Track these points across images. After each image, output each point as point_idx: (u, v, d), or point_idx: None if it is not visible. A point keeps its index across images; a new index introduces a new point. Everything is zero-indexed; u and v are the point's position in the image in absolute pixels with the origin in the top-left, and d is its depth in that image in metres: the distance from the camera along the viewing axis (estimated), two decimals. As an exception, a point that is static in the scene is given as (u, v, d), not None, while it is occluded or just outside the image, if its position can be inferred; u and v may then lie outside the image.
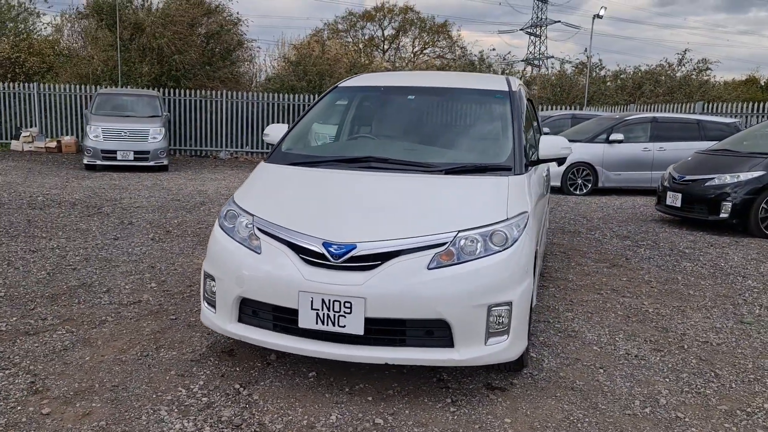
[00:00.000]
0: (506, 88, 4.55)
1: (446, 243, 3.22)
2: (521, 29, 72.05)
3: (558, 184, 12.81)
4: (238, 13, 23.11)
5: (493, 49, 39.13)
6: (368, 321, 3.15)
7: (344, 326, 3.16)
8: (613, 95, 22.83)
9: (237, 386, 3.39)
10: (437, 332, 3.19)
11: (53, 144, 18.50)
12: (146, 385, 3.37)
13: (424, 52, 49.67)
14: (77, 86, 19.10)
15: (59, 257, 5.98)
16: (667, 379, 3.67)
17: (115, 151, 14.03)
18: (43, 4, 31.16)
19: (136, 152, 14.16)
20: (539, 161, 4.24)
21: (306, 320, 3.21)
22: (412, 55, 48.85)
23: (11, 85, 19.18)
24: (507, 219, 3.39)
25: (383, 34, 52.39)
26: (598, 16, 22.75)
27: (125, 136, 14.18)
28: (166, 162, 14.60)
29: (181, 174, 14.22)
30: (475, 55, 29.19)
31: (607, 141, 12.87)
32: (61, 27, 24.39)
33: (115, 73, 19.28)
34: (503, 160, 3.88)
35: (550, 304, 5.05)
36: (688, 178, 9.02)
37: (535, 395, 3.42)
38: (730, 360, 4.01)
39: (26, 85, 19.29)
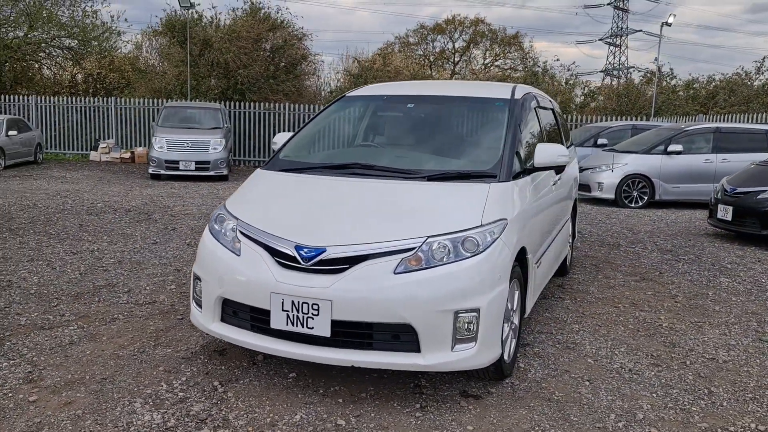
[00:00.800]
0: (508, 96, 4.53)
1: (414, 248, 3.25)
2: (600, 39, 70.31)
3: (612, 196, 12.46)
4: (302, 27, 23.77)
5: (557, 59, 38.31)
6: (335, 323, 3.21)
7: (312, 328, 3.24)
8: (683, 105, 21.95)
9: (216, 383, 3.52)
10: (403, 336, 3.21)
11: (127, 155, 19.51)
12: (132, 379, 3.55)
13: (495, 64, 49.34)
14: (151, 100, 20.10)
15: (95, 259, 6.34)
16: (655, 395, 3.55)
17: (177, 161, 14.67)
18: (124, 23, 32.95)
19: (197, 162, 14.76)
20: (534, 169, 4.19)
21: (277, 321, 3.30)
22: (483, 67, 48.61)
23: (92, 99, 20.38)
24: (481, 225, 3.38)
25: (454, 46, 52.35)
26: (667, 24, 21.93)
27: (188, 147, 14.81)
28: (226, 172, 15.14)
29: (239, 183, 14.68)
30: (539, 66, 28.72)
31: (665, 152, 12.42)
32: (141, 44, 25.80)
33: (186, 87, 20.17)
34: (489, 167, 3.86)
35: (559, 316, 4.95)
36: (740, 190, 8.60)
37: (508, 405, 3.38)
38: (732, 378, 3.83)
39: (105, 99, 20.46)
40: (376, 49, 49.16)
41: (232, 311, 3.54)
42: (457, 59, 50.16)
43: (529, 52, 47.41)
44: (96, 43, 23.53)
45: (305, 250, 3.31)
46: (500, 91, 4.66)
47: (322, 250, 3.29)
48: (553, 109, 5.95)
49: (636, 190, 12.49)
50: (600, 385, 3.67)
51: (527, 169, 4.17)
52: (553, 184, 4.85)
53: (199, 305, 3.72)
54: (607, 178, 12.55)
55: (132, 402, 3.25)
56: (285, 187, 3.95)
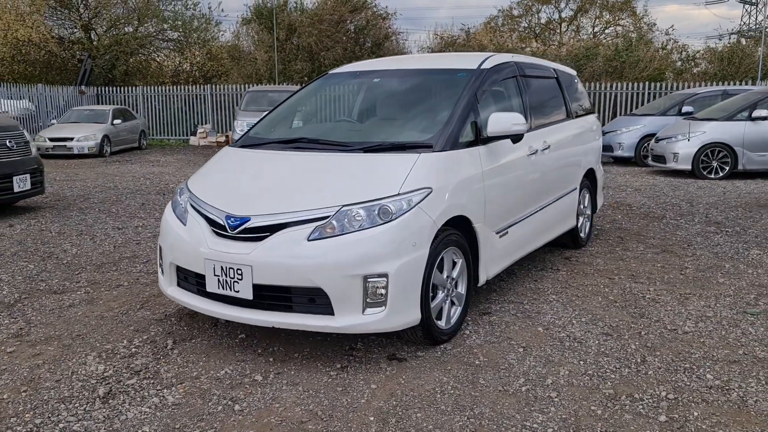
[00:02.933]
0: (474, 67, 4.53)
1: (329, 216, 3.42)
2: (733, -3, 64.76)
3: (688, 167, 11.76)
4: (386, 7, 23.83)
5: (647, 25, 35.76)
6: (256, 287, 3.46)
7: (238, 291, 3.51)
8: (799, 67, 19.97)
9: (170, 342, 3.88)
10: (318, 300, 3.41)
11: (222, 138, 20.67)
12: (102, 336, 3.99)
13: (606, 32, 46.98)
14: (243, 86, 21.14)
15: (134, 234, 6.97)
16: (582, 362, 3.52)
17: (257, 144, 15.41)
18: (221, 13, 34.29)
19: (275, 144, 15.42)
20: (489, 139, 4.19)
21: (211, 285, 3.60)
22: (592, 36, 46.46)
23: (191, 88, 21.74)
24: (398, 194, 3.49)
25: (560, 16, 50.36)
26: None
27: (266, 130, 15.51)
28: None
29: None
30: (632, 33, 27.10)
31: (750, 118, 11.53)
32: (238, 33, 27.06)
33: (274, 72, 21.02)
34: (427, 138, 3.93)
35: (542, 287, 4.92)
36: (805, 156, 7.91)
37: (426, 368, 3.49)
38: (680, 348, 3.70)
39: (202, 87, 21.75)
40: (479, 24, 48.29)
41: (184, 276, 3.88)
42: (564, 29, 48.28)
43: (643, 17, 44.73)
44: (196, 35, 24.96)
45: (232, 219, 3.58)
46: (469, 62, 4.67)
47: (247, 219, 3.54)
48: (557, 78, 5.81)
49: (716, 160, 11.71)
50: (533, 352, 3.68)
51: (483, 139, 4.18)
52: (532, 154, 4.79)
53: (162, 271, 4.09)
54: (683, 148, 11.84)
55: (87, 355, 3.68)
56: (235, 161, 4.24)
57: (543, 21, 49.83)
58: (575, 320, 4.19)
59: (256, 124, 4.74)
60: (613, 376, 3.35)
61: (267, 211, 3.54)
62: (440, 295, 3.77)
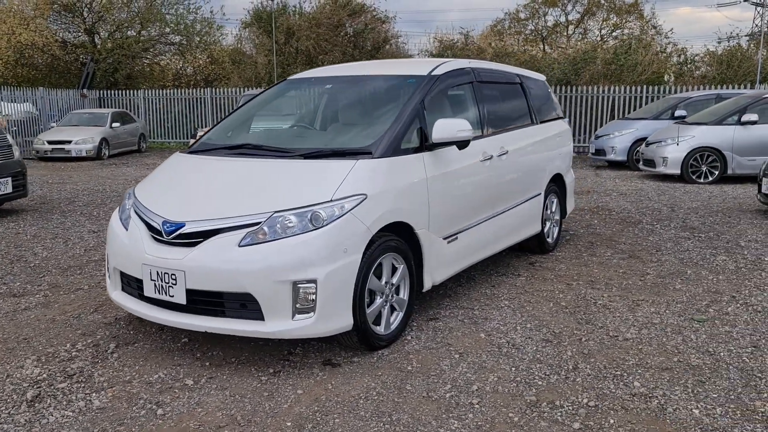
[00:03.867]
0: (424, 73, 4.55)
1: (260, 222, 3.45)
2: (745, 0, 64.18)
3: (677, 171, 11.70)
4: (385, 11, 23.93)
5: (654, 27, 35.66)
6: (190, 292, 3.50)
7: (173, 296, 3.55)
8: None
9: (112, 346, 3.92)
10: (250, 305, 3.44)
11: (221, 142, 20.77)
12: (47, 339, 4.04)
13: (613, 34, 46.74)
14: (242, 89, 21.25)
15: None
16: (514, 369, 3.52)
17: (250, 147, 15.48)
18: (222, 17, 34.36)
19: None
20: (435, 145, 4.20)
21: (148, 289, 3.64)
22: (599, 39, 46.27)
23: (192, 91, 21.87)
24: (331, 201, 3.52)
25: (567, 19, 50.22)
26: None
27: (260, 133, 15.58)
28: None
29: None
30: (632, 37, 27.00)
31: (739, 122, 11.46)
32: (240, 37, 27.22)
33: (273, 75, 21.11)
34: (367, 144, 3.95)
35: (497, 293, 4.92)
36: (784, 161, 7.87)
37: (357, 373, 3.50)
38: (616, 355, 3.69)
39: (202, 90, 21.88)
40: (485, 28, 48.18)
41: (127, 281, 3.92)
42: (570, 32, 48.10)
43: (650, 19, 44.48)
44: (198, 38, 25.13)
45: (168, 224, 3.62)
46: (420, 68, 4.69)
47: (182, 225, 3.57)
48: (520, 84, 5.82)
49: (705, 165, 11.65)
50: (468, 358, 3.68)
51: (428, 145, 4.19)
52: (486, 160, 4.80)
53: (109, 276, 4.14)
54: (672, 152, 11.79)
55: (27, 359, 3.72)
56: (180, 167, 4.28)
57: (550, 24, 49.73)
58: (520, 326, 4.19)
59: (211, 129, 4.78)
60: (540, 383, 3.36)
61: (202, 216, 3.58)
62: (378, 300, 3.79)
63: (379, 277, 3.79)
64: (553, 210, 6.29)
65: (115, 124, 18.45)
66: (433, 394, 3.25)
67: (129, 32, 24.87)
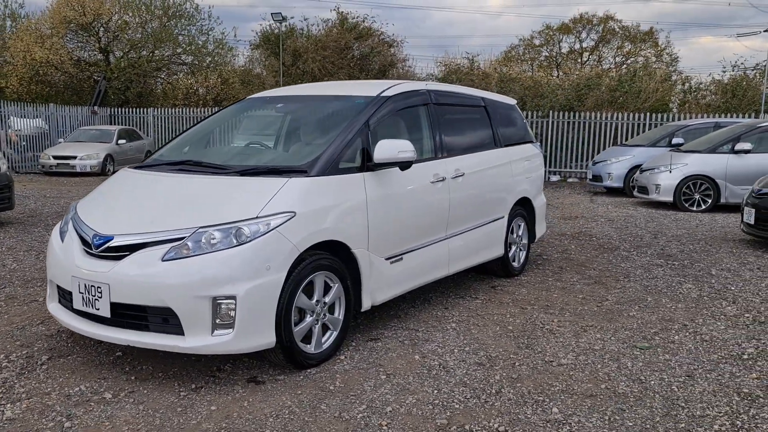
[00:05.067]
0: (373, 94, 4.58)
1: (184, 237, 3.47)
2: (765, 30, 64.00)
3: (670, 199, 11.60)
4: (393, 35, 24.10)
5: (658, 56, 35.80)
6: (114, 305, 3.51)
7: (98, 309, 3.57)
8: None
9: (45, 357, 3.94)
10: (171, 320, 3.44)
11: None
12: (-15, 349, 4.07)
13: (627, 62, 46.73)
14: (248, 109, 21.47)
15: (81, 251, 7.08)
16: (436, 391, 3.48)
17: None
18: (233, 39, 34.78)
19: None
20: (377, 165, 4.20)
21: (77, 302, 3.67)
22: (614, 66, 46.25)
23: (200, 110, 22.16)
24: (256, 217, 3.53)
25: (581, 46, 50.34)
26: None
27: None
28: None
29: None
30: (639, 63, 26.95)
31: (733, 151, 11.36)
32: (252, 58, 27.61)
33: (279, 96, 21.34)
34: (303, 162, 3.97)
35: (449, 315, 4.89)
36: (765, 191, 7.77)
37: (279, 391, 3.49)
38: (544, 381, 3.64)
39: (211, 109, 22.14)
40: (500, 53, 48.33)
41: (62, 293, 3.95)
42: (585, 59, 48.16)
43: (665, 48, 44.43)
44: (209, 59, 25.51)
45: (97, 237, 3.65)
46: (371, 89, 4.72)
47: (110, 238, 3.60)
48: (484, 107, 5.83)
49: (698, 193, 11.53)
50: (393, 379, 3.65)
51: (370, 165, 4.19)
52: (438, 182, 4.79)
53: (49, 288, 4.17)
54: (665, 180, 11.69)
55: (-43, 367, 3.75)
56: (122, 182, 4.32)
57: (564, 50, 49.82)
58: (458, 349, 4.15)
59: (167, 143, 4.84)
60: (457, 406, 3.32)
61: (130, 230, 3.61)
62: (308, 318, 3.78)
63: (310, 295, 3.79)
64: (520, 234, 6.25)
65: (121, 141, 18.72)
66: (346, 414, 3.22)
67: (142, 52, 25.31)
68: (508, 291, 5.65)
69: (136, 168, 4.52)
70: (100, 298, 3.53)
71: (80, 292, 3.63)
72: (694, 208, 11.50)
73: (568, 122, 18.54)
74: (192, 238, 3.46)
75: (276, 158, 4.31)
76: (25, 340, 4.25)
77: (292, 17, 21.54)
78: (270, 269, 3.47)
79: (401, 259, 4.47)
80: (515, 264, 6.18)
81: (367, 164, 4.19)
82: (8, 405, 3.29)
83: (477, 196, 5.36)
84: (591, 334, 4.48)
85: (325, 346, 3.90)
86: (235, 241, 3.45)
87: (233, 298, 3.37)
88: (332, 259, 3.88)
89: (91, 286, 3.56)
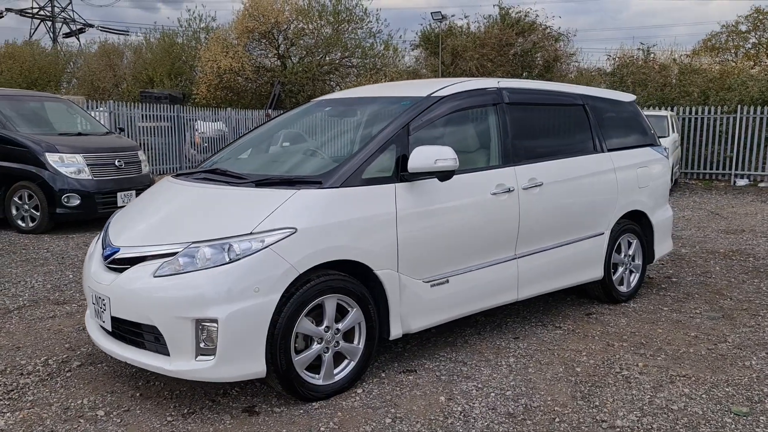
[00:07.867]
0: (422, 95, 4.08)
1: (176, 252, 3.27)
2: None
3: None
4: (559, 28, 22.57)
5: None
6: (114, 320, 3.41)
7: (104, 321, 3.49)
8: None
9: (76, 364, 3.96)
10: (161, 339, 3.26)
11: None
12: (34, 350, 4.21)
13: None
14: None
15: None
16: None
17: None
18: (399, 40, 34.75)
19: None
20: (411, 176, 3.70)
21: (91, 312, 3.64)
22: (840, 52, 39.98)
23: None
24: (250, 233, 3.23)
25: (800, 29, 44.24)
26: None
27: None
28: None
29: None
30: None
31: None
32: (419, 58, 27.60)
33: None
34: (320, 172, 3.58)
35: (513, 346, 4.24)
36: None
37: (268, 425, 3.17)
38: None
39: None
40: (696, 43, 43.89)
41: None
42: (800, 47, 42.16)
43: None
44: (377, 60, 25.96)
45: (109, 248, 3.57)
46: (423, 89, 4.21)
47: (117, 250, 3.51)
48: (583, 105, 5.02)
49: None
50: (397, 425, 3.15)
51: (404, 176, 3.70)
52: (502, 193, 4.16)
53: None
54: None
55: (-5, 367, 3.89)
56: (154, 192, 4.22)
57: (776, 36, 44.12)
58: (496, 393, 3.53)
59: (224, 147, 4.72)
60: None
61: (134, 243, 3.49)
62: (315, 346, 3.41)
63: (321, 321, 3.41)
64: (630, 253, 5.32)
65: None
66: (316, 464, 2.80)
67: (316, 57, 26.42)
68: (603, 321, 4.81)
69: (175, 176, 4.44)
70: (104, 310, 3.45)
71: (92, 303, 3.59)
72: None
73: (761, 118, 16.11)
74: (184, 254, 3.24)
75: (299, 166, 3.98)
76: (73, 343, 4.34)
77: (452, 15, 21.20)
78: (259, 291, 3.15)
79: (446, 281, 3.92)
80: (622, 288, 5.28)
81: (401, 174, 3.70)
82: (8, 414, 3.31)
83: (561, 209, 4.61)
84: (677, 388, 3.59)
85: (337, 378, 3.50)
86: (227, 259, 3.18)
87: (215, 321, 3.10)
88: (348, 280, 3.46)
89: (98, 297, 3.50)
